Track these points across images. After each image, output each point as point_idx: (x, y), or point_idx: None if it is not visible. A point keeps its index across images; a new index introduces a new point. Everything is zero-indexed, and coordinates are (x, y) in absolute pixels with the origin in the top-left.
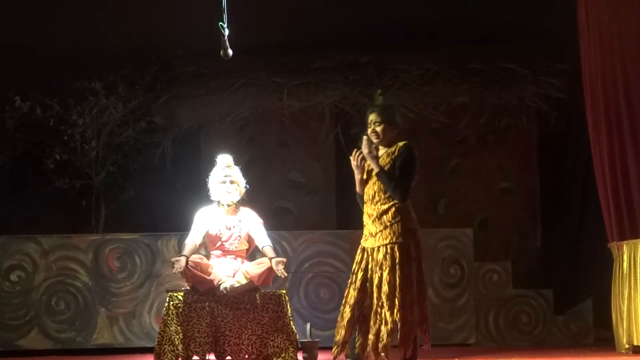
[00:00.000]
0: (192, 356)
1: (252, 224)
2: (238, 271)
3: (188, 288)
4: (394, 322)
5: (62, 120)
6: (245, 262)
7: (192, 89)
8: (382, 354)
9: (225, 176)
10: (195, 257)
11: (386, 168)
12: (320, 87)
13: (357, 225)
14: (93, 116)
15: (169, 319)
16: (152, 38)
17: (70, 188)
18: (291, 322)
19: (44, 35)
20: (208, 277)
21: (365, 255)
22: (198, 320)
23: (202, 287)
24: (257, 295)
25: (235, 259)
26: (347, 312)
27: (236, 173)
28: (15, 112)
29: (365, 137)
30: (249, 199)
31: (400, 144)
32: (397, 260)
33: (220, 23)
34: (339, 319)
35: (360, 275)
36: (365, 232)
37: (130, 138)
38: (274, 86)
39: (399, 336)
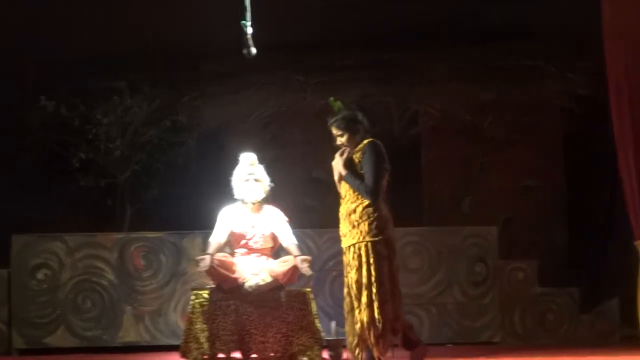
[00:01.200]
0: (218, 354)
1: (276, 222)
2: (263, 269)
3: (213, 286)
4: (361, 321)
5: (87, 120)
6: (270, 260)
7: (215, 87)
8: (357, 353)
9: (249, 174)
10: (220, 256)
11: (353, 168)
12: (343, 85)
13: None
14: (117, 115)
15: (195, 317)
16: (176, 37)
17: (95, 187)
18: (316, 320)
19: (69, 35)
20: (233, 276)
21: (343, 256)
22: (223, 318)
23: (227, 286)
24: (281, 293)
25: (260, 257)
26: (345, 317)
27: (260, 171)
28: (41, 111)
29: (339, 152)
30: (273, 197)
31: (365, 142)
32: (364, 260)
33: (243, 22)
34: None
35: (345, 277)
36: (340, 232)
37: (154, 137)
38: (297, 84)
39: (372, 336)
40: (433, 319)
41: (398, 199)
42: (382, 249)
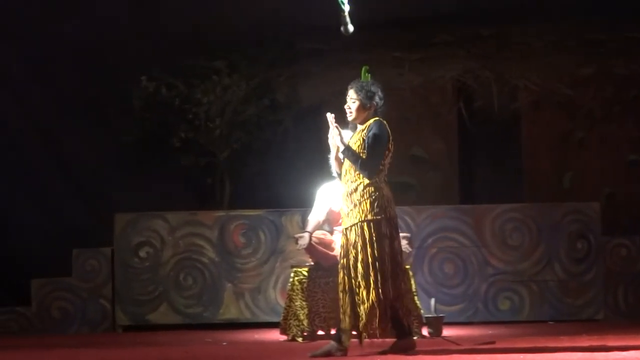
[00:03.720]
0: (317, 331)
1: None
2: None
3: (312, 264)
4: (370, 300)
5: (187, 99)
6: None
7: (312, 66)
8: (364, 333)
9: None
10: (318, 233)
11: (357, 145)
12: (441, 61)
13: (480, 200)
14: (217, 95)
15: (294, 294)
16: (272, 16)
17: (195, 166)
18: (415, 297)
19: (168, 16)
20: (331, 253)
21: (343, 237)
22: (322, 295)
23: (325, 263)
24: None
25: None
26: (340, 299)
27: None
28: (142, 92)
29: (331, 115)
30: None
31: (371, 120)
32: (367, 239)
33: None
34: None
35: (344, 258)
36: (342, 212)
37: (253, 115)
38: (395, 61)
39: (377, 315)
40: (534, 296)
41: (498, 175)
42: (384, 227)
